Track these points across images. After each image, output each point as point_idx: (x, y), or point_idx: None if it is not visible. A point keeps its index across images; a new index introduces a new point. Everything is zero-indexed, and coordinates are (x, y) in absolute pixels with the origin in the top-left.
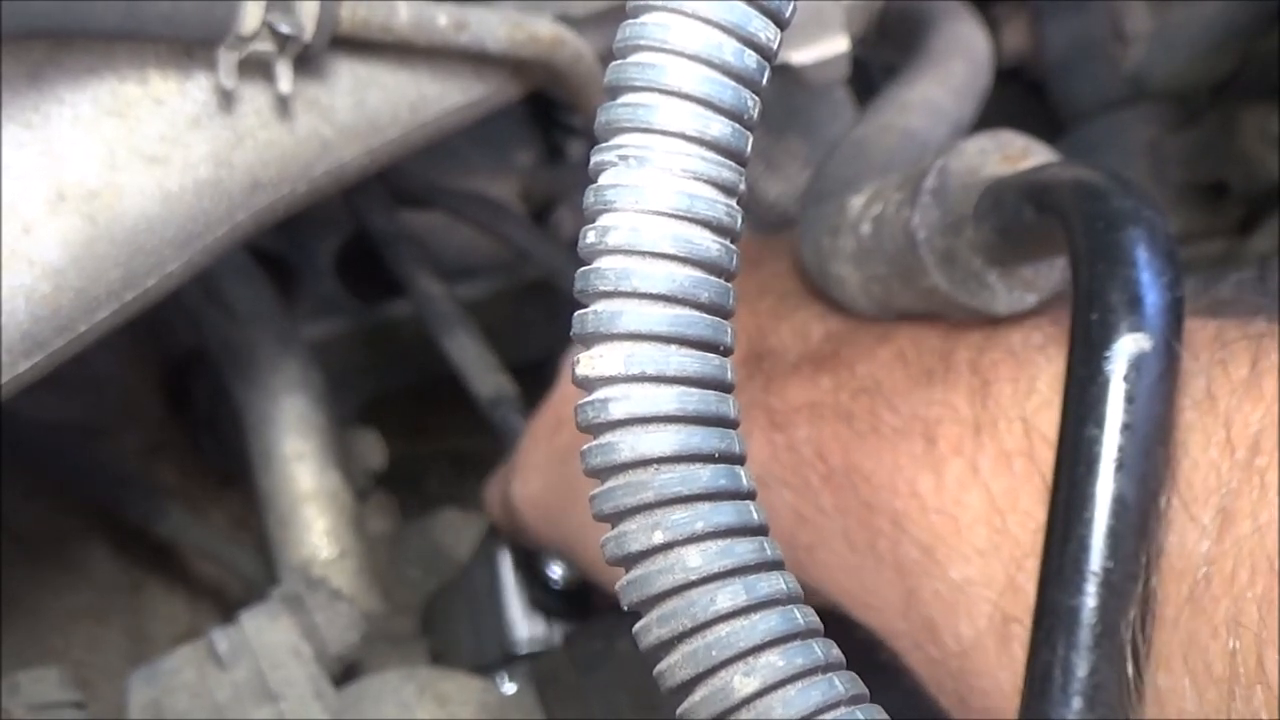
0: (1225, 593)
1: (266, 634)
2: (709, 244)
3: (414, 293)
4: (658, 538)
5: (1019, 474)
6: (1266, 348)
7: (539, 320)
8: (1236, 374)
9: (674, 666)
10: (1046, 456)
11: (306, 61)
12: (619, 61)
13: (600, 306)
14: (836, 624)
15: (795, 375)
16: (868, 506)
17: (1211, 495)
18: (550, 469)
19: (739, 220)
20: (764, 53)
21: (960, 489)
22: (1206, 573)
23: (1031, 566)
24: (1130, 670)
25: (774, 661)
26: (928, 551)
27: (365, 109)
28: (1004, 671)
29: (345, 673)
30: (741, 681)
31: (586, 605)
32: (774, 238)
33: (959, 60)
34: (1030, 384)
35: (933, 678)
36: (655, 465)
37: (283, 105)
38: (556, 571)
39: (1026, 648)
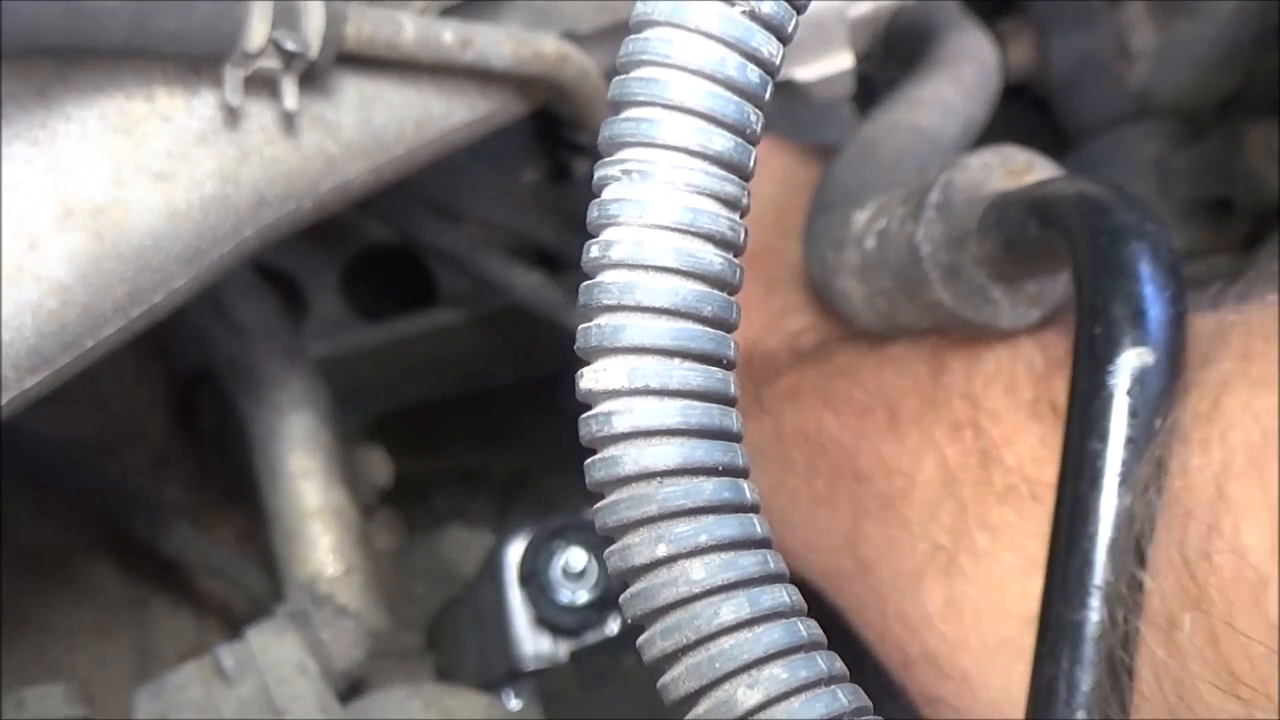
0: None
1: (272, 650)
2: (712, 258)
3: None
4: (661, 551)
5: (968, 444)
6: None
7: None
8: None
9: (678, 679)
10: (988, 425)
11: (312, 78)
12: (622, 77)
13: (604, 320)
14: (842, 638)
15: (786, 369)
16: (834, 467)
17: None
18: None
19: (742, 234)
20: (766, 67)
21: (916, 453)
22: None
23: (974, 513)
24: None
25: (778, 674)
26: (884, 500)
27: (371, 126)
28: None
29: (351, 689)
30: (745, 694)
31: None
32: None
33: (969, 63)
34: (980, 365)
35: (861, 609)
36: (659, 479)
37: (288, 122)
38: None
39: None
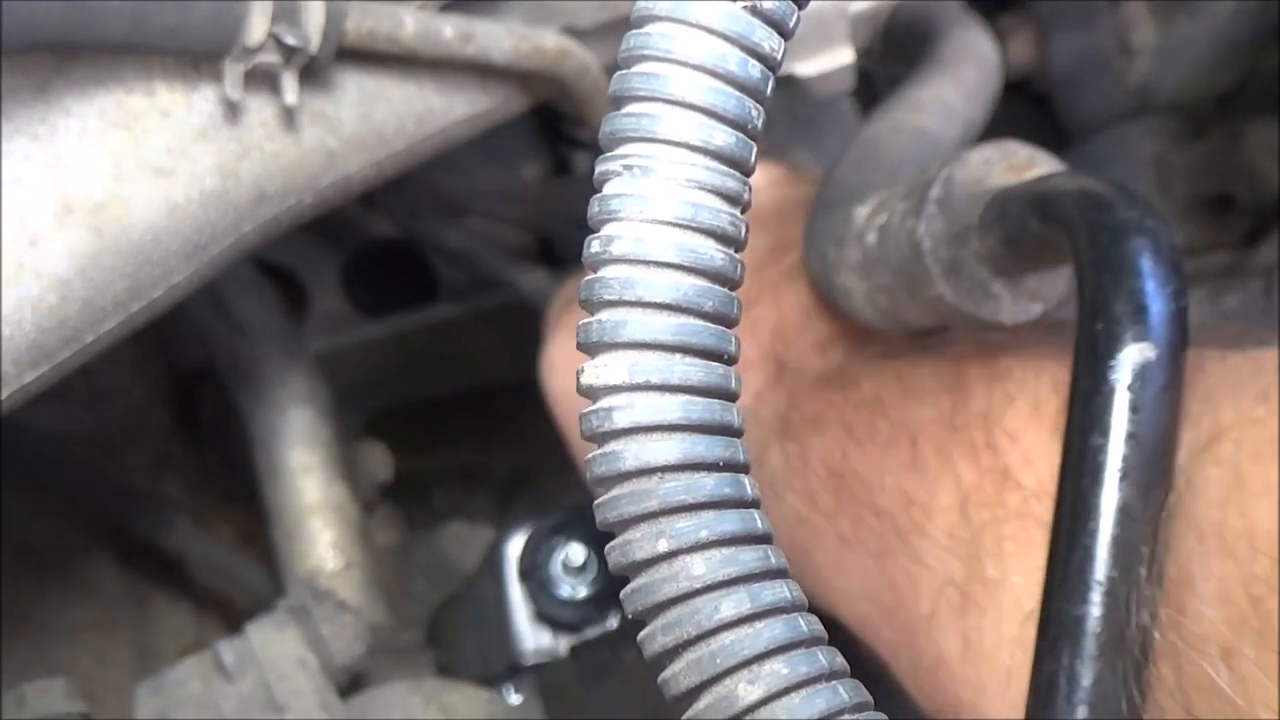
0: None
1: (272, 645)
2: (713, 253)
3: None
4: (662, 546)
5: (984, 466)
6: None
7: None
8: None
9: (678, 674)
10: (1006, 445)
11: (312, 73)
12: (623, 71)
13: (605, 315)
14: (841, 635)
15: (813, 392)
16: (857, 503)
17: None
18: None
19: (743, 230)
20: (768, 62)
21: (935, 483)
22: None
23: (986, 539)
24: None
25: (778, 669)
26: (902, 537)
27: (371, 121)
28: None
29: (351, 684)
30: (746, 689)
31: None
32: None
33: (970, 63)
34: (1001, 385)
35: (895, 656)
36: (660, 474)
37: (288, 117)
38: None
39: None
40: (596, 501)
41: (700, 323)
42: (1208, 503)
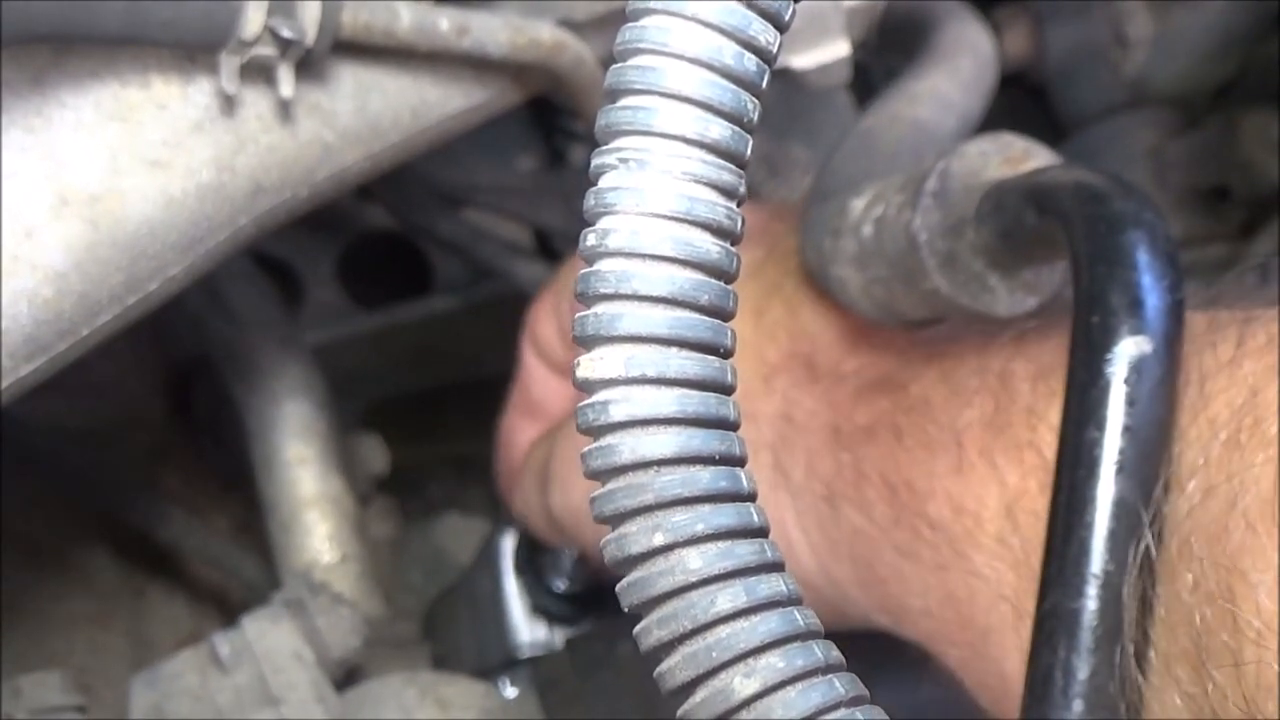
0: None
1: (268, 638)
2: (709, 247)
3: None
4: (658, 540)
5: (1028, 465)
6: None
7: None
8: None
9: (674, 668)
10: (1050, 441)
11: (308, 66)
12: (619, 65)
13: (601, 309)
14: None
15: (860, 400)
16: (912, 513)
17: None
18: None
19: (739, 223)
20: (764, 56)
21: (981, 486)
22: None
23: (1038, 548)
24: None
25: (774, 663)
26: (956, 547)
27: (367, 113)
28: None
29: (347, 677)
30: (742, 683)
31: (588, 609)
32: (788, 208)
33: (966, 56)
34: (1046, 381)
35: (965, 672)
36: (656, 467)
37: (284, 110)
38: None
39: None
40: (592, 495)
41: (696, 316)
42: (1259, 493)
